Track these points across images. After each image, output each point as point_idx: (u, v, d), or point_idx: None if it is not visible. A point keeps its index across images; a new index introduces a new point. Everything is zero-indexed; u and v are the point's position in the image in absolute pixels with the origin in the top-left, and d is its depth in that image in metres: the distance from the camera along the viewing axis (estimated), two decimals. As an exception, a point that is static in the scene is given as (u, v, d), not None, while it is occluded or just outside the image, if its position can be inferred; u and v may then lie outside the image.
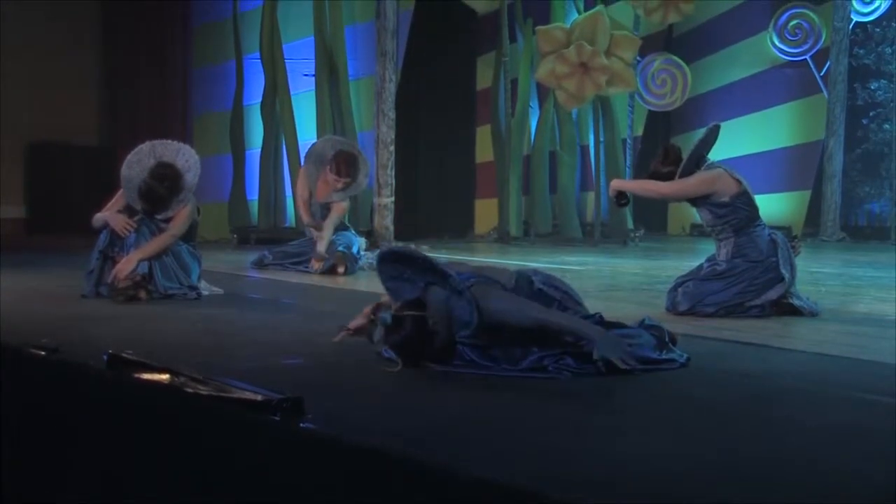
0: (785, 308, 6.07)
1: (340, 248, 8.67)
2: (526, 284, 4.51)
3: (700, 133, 6.52)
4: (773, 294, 6.04)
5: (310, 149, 9.39)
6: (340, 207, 8.90)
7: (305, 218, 9.05)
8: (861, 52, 13.80)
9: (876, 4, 13.63)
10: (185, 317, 5.90)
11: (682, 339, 4.64)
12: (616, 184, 6.55)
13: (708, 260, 6.29)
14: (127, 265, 6.50)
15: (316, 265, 8.60)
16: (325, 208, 8.89)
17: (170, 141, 6.98)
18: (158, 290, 6.60)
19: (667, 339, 4.46)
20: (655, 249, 12.10)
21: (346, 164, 8.83)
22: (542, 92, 13.37)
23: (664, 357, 4.35)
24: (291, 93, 12.59)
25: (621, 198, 6.42)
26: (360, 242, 9.02)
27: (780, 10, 14.04)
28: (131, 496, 3.64)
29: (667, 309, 6.16)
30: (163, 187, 6.67)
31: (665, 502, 2.55)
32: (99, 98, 13.08)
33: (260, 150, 12.74)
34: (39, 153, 12.50)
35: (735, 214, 6.12)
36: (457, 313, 4.21)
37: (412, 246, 4.37)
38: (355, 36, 12.71)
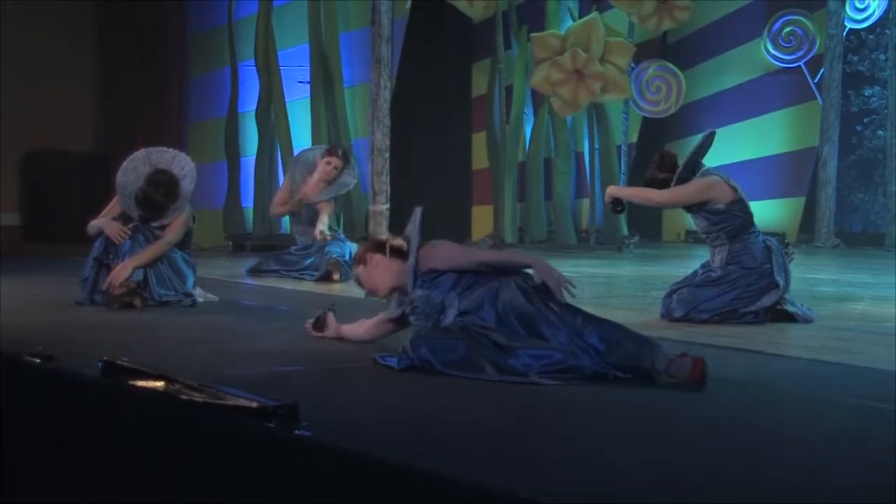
0: (779, 314, 6.07)
1: (334, 256, 8.68)
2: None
3: (695, 140, 6.52)
4: (767, 300, 6.04)
5: (297, 156, 9.82)
6: (327, 207, 8.98)
7: (275, 209, 9.42)
8: (855, 58, 13.84)
9: (870, 11, 13.66)
10: (180, 324, 5.89)
11: (678, 346, 4.51)
12: (612, 190, 6.53)
13: (702, 266, 6.29)
14: (122, 272, 6.49)
15: (320, 235, 8.79)
16: (313, 211, 8.92)
17: (165, 148, 6.96)
18: (153, 297, 6.59)
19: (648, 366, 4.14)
20: (650, 256, 12.11)
21: (339, 150, 9.31)
22: (537, 99, 13.39)
23: (603, 370, 4.16)
24: (286, 100, 12.60)
25: (617, 204, 6.41)
26: (354, 249, 9.03)
27: (774, 16, 14.07)
28: (126, 504, 3.63)
29: (661, 315, 6.17)
30: (160, 194, 6.65)
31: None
32: (94, 106, 13.08)
33: (255, 157, 12.75)
34: (35, 161, 12.51)
35: (730, 221, 6.12)
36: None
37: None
38: (350, 43, 12.73)
